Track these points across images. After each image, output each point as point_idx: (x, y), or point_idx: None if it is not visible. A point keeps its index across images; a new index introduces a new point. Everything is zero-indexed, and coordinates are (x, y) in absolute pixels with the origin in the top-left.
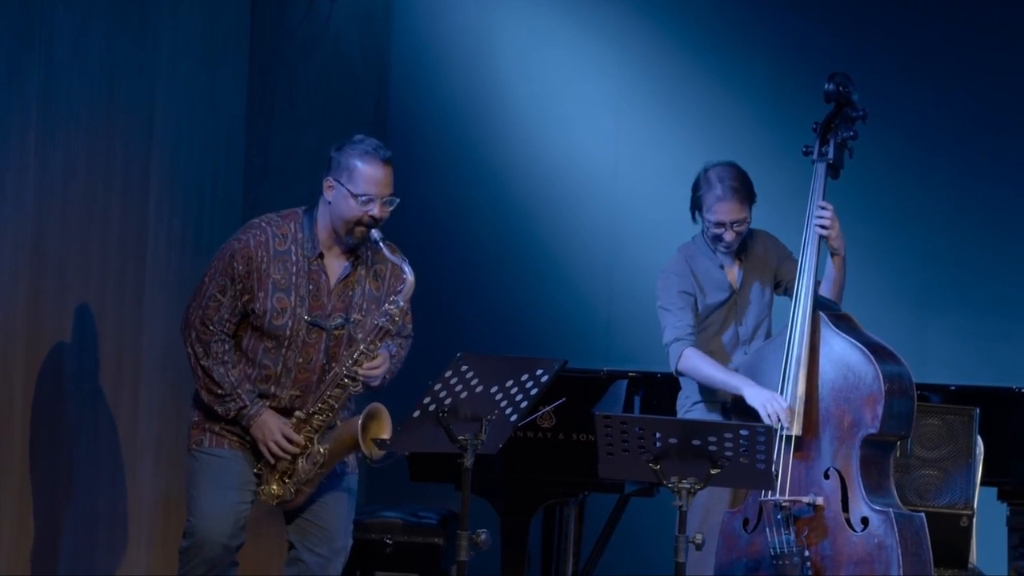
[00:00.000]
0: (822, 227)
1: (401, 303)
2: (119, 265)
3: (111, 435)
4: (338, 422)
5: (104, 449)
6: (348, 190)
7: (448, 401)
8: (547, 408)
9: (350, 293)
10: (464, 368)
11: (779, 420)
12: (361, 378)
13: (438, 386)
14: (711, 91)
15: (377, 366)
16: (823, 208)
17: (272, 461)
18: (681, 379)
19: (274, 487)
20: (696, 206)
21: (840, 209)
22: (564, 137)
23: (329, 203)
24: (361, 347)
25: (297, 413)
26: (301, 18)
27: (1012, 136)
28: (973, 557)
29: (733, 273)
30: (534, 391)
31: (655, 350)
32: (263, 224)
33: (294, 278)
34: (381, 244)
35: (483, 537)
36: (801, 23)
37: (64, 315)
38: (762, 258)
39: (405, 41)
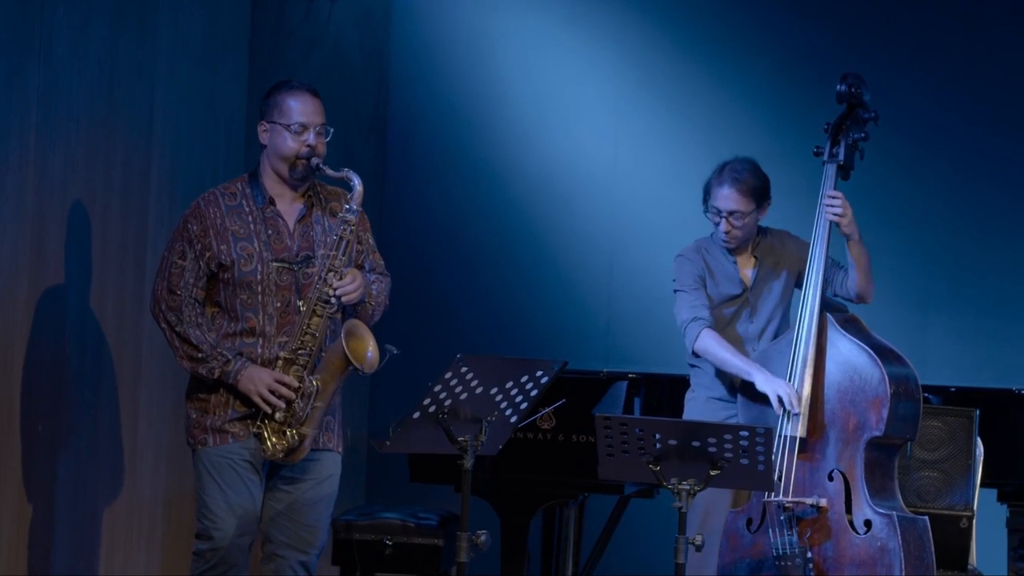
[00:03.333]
0: (835, 214)
1: (355, 208)
2: (119, 265)
3: (111, 435)
4: (323, 353)
5: (104, 449)
6: (281, 124)
7: (448, 402)
8: (547, 409)
9: (310, 232)
10: (464, 369)
11: (790, 404)
12: (334, 298)
13: (438, 387)
14: (711, 92)
15: (348, 282)
16: (833, 197)
17: (269, 410)
18: (692, 371)
19: (275, 439)
20: (704, 198)
21: None
22: (564, 137)
23: (266, 147)
24: (326, 262)
25: (281, 354)
26: (301, 19)
27: (1013, 138)
28: (973, 559)
29: (747, 272)
30: (534, 392)
31: (655, 351)
32: (210, 189)
33: (252, 226)
34: (323, 167)
35: (483, 538)
36: (801, 24)
37: (64, 315)
38: (781, 259)
39: (405, 41)
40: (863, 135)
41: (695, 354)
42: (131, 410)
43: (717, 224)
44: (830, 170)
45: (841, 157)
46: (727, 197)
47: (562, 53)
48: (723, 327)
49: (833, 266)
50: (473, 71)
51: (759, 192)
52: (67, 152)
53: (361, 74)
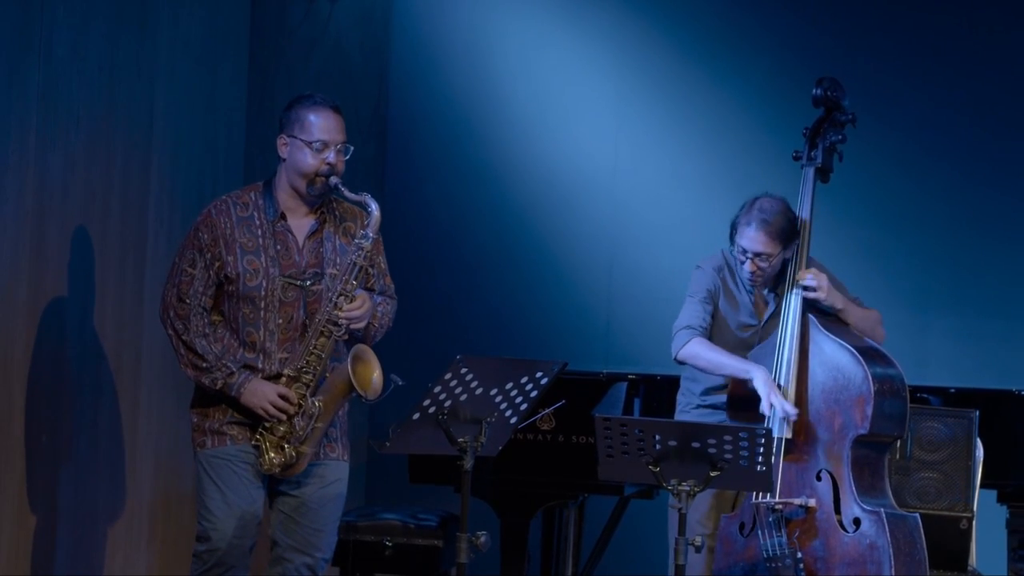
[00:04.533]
0: (811, 290)
1: (371, 235)
2: (119, 266)
3: (111, 435)
4: (327, 373)
5: (104, 449)
6: (302, 140)
7: (447, 403)
8: (547, 410)
9: (320, 249)
10: (463, 370)
11: (783, 413)
12: (343, 322)
13: (437, 388)
14: (711, 93)
15: (358, 307)
16: (802, 280)
17: (272, 421)
18: (683, 378)
19: (273, 454)
20: (733, 228)
21: (840, 212)
22: (564, 138)
23: (284, 161)
24: (338, 287)
25: (286, 371)
26: (301, 18)
27: (1011, 138)
28: (973, 559)
29: (761, 306)
30: (533, 393)
31: (654, 352)
32: (223, 197)
33: (261, 240)
34: (341, 187)
35: (483, 539)
36: (800, 25)
37: (64, 315)
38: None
39: (405, 41)
40: (840, 138)
41: (679, 361)
42: (131, 411)
43: (743, 263)
44: (808, 174)
45: (819, 160)
46: (754, 239)
47: (562, 53)
48: (737, 348)
49: None
50: (473, 71)
51: (787, 234)
52: (67, 152)
53: (361, 74)
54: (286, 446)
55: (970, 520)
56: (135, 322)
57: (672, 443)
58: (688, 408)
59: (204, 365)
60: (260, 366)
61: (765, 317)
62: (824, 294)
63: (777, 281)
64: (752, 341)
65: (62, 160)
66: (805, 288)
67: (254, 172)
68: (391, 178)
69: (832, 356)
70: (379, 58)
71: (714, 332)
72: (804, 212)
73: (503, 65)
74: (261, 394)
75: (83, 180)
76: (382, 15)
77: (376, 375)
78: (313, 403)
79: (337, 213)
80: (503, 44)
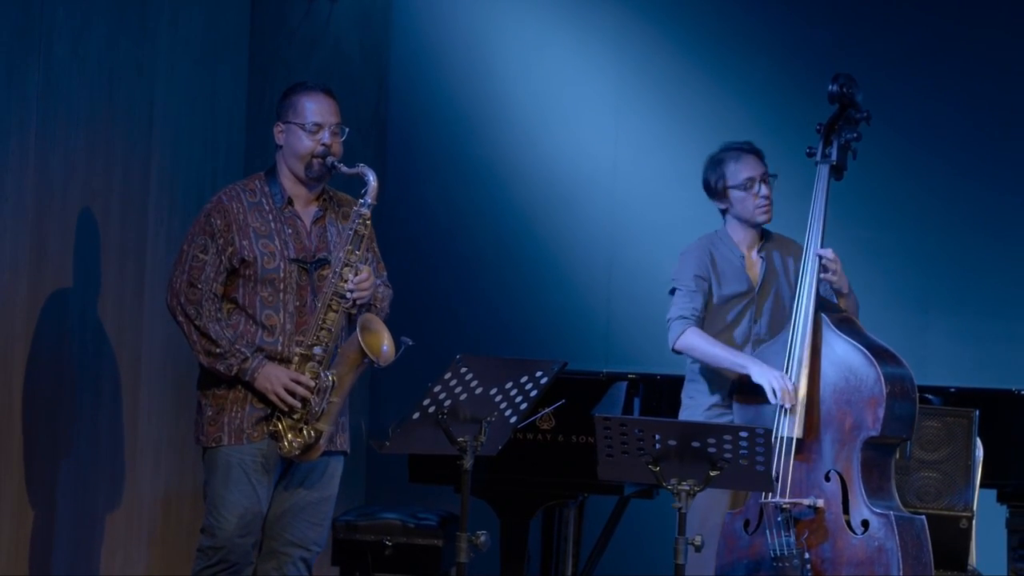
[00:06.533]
0: (825, 269)
1: (370, 201)
2: (119, 265)
3: (111, 435)
4: (339, 348)
5: (104, 449)
6: (296, 124)
7: (447, 403)
8: (546, 410)
9: (325, 234)
10: (463, 370)
11: (782, 398)
12: (348, 294)
13: (437, 388)
14: (711, 92)
15: (363, 279)
16: (824, 255)
17: (285, 409)
18: (688, 375)
19: (292, 436)
20: (718, 184)
21: (840, 211)
22: (564, 138)
23: (282, 147)
24: (341, 257)
25: (297, 350)
26: (301, 18)
27: (1012, 137)
28: (972, 559)
29: (755, 269)
30: (533, 393)
31: (654, 352)
32: (230, 185)
33: (272, 224)
34: (338, 164)
35: (483, 539)
36: (801, 23)
37: (64, 315)
38: (784, 259)
39: (405, 41)
40: (855, 135)
41: (676, 351)
42: (131, 410)
43: (755, 193)
44: (823, 171)
45: (834, 158)
46: (756, 163)
47: (562, 53)
48: (727, 327)
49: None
50: (473, 71)
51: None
52: (67, 152)
53: (361, 74)
54: (304, 427)
55: (970, 519)
56: (135, 321)
57: (672, 443)
58: (700, 409)
59: (218, 351)
60: (278, 348)
61: (759, 277)
62: (838, 277)
63: (763, 244)
64: (746, 313)
65: (62, 160)
66: (821, 258)
67: (254, 172)
68: (391, 178)
69: (844, 356)
70: (379, 58)
71: (712, 312)
72: (818, 210)
73: (503, 65)
74: (275, 378)
75: (83, 180)
76: (382, 15)
77: (386, 341)
78: (327, 377)
79: (335, 202)
80: (503, 44)
